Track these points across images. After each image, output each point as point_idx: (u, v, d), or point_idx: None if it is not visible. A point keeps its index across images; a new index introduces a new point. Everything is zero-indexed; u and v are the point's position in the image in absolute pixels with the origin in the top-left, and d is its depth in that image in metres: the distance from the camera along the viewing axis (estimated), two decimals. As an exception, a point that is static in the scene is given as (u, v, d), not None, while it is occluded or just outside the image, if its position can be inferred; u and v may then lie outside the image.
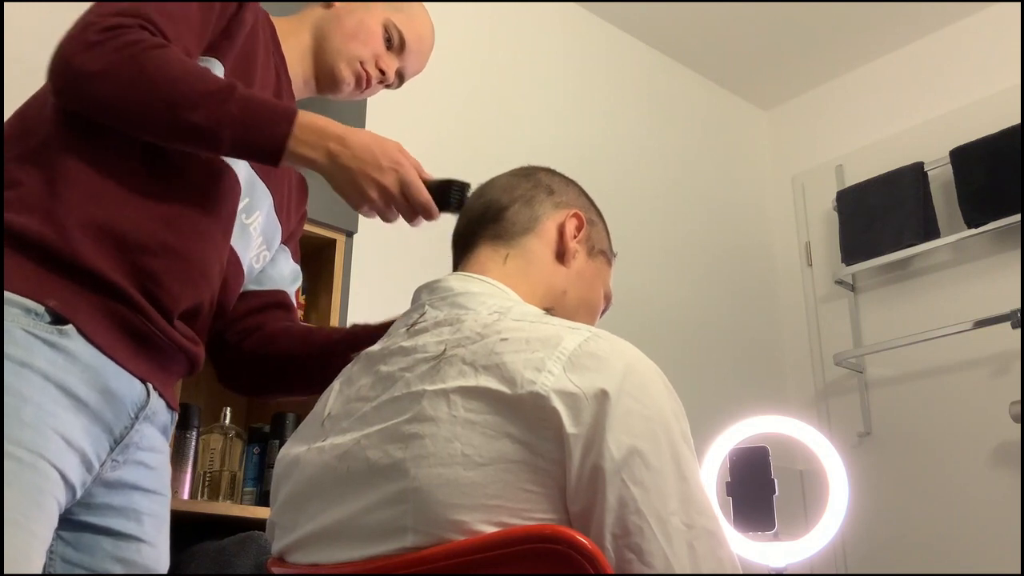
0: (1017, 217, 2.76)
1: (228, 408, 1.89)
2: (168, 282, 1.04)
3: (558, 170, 1.15)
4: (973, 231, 2.87)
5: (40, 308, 0.94)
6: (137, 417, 1.03)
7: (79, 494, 0.98)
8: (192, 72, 1.01)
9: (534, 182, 1.09)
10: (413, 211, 1.08)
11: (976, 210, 2.87)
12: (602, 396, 0.78)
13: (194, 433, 1.79)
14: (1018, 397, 2.66)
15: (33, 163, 1.00)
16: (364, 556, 0.82)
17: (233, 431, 1.87)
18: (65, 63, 0.99)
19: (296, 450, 0.95)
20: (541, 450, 0.78)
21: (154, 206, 1.04)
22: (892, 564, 2.88)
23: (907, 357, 3.02)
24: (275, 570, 0.95)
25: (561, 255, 1.05)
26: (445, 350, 0.86)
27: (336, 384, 1.00)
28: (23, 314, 0.93)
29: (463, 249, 1.07)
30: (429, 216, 1.09)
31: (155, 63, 0.98)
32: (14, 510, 0.87)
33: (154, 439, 1.09)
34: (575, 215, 1.07)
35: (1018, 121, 2.84)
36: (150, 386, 1.05)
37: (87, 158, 1.01)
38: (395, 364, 0.90)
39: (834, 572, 2.98)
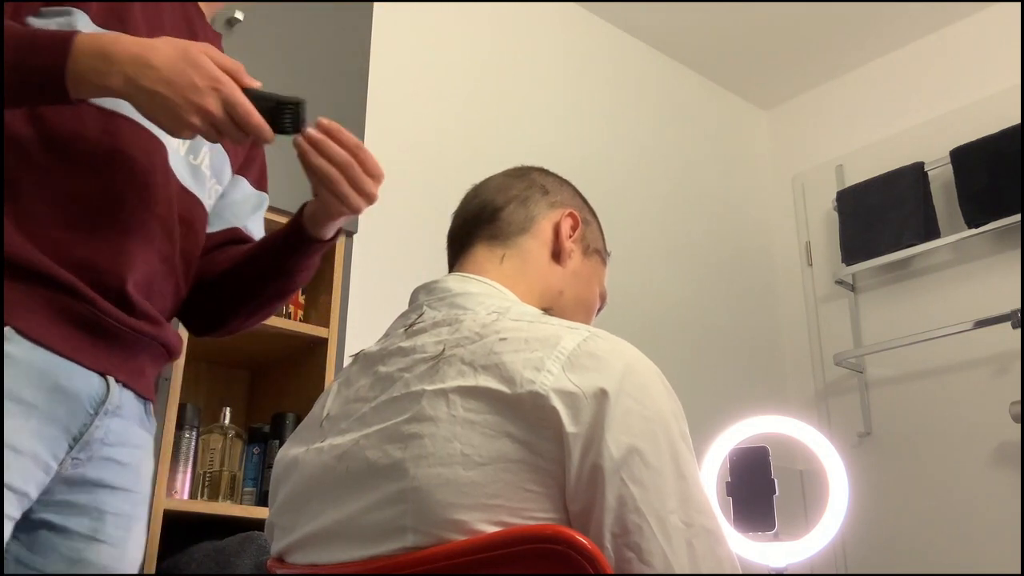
0: (1017, 217, 2.76)
1: (228, 408, 1.89)
2: (97, 262, 0.98)
3: (557, 170, 1.15)
4: (973, 231, 2.87)
5: None
6: (97, 413, 0.98)
7: (35, 496, 0.94)
8: None
9: (528, 182, 1.09)
10: (243, 133, 0.95)
11: (976, 210, 2.87)
12: (601, 396, 0.78)
13: (194, 433, 1.79)
14: (1018, 397, 2.66)
15: None
16: (364, 556, 0.81)
17: (233, 431, 1.87)
18: None
19: (295, 451, 0.95)
20: (541, 449, 0.78)
21: (59, 191, 0.98)
22: (892, 564, 2.88)
23: (907, 357, 3.02)
24: (275, 570, 0.95)
25: (557, 255, 1.06)
26: (444, 350, 0.86)
27: (334, 385, 1.00)
28: None
29: (459, 249, 1.08)
30: (264, 139, 0.97)
31: None
32: None
33: (125, 434, 1.04)
34: (570, 214, 1.08)
35: (1018, 121, 2.84)
36: (111, 379, 1.00)
37: None
38: (394, 364, 0.90)
39: (834, 572, 2.98)
